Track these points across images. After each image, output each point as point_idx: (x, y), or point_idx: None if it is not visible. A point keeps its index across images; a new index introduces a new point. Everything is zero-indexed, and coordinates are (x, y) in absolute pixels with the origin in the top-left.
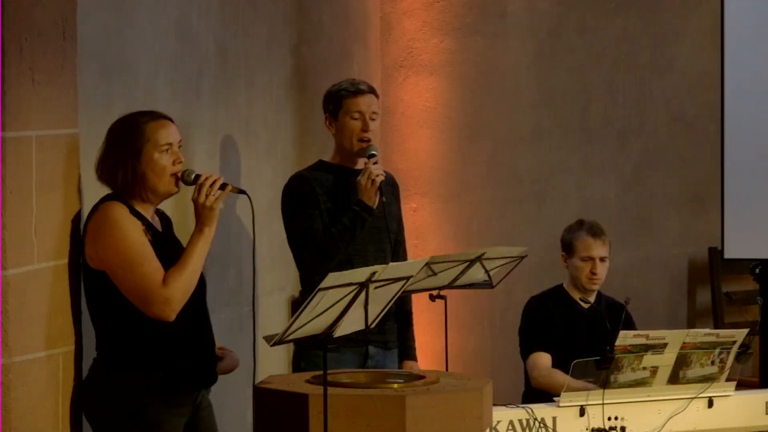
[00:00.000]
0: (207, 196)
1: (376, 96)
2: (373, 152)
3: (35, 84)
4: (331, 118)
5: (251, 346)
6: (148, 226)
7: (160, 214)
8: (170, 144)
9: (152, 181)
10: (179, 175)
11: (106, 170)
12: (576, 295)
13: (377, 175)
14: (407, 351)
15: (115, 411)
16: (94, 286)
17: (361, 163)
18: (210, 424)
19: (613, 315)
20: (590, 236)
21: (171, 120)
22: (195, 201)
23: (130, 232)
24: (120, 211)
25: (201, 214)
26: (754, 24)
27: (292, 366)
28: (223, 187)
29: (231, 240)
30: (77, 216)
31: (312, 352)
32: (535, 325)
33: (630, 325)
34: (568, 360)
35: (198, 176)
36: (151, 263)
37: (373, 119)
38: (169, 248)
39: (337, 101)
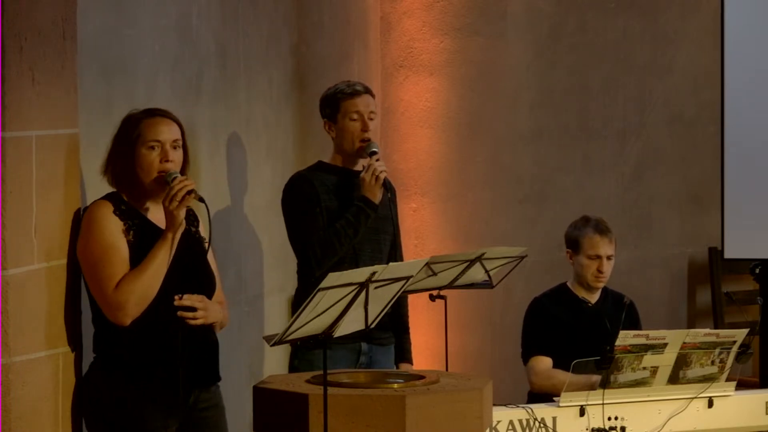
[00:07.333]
0: (171, 200)
1: (372, 96)
2: (375, 149)
3: (35, 84)
4: (330, 122)
5: (251, 346)
6: (135, 225)
7: None
8: (159, 141)
9: (140, 176)
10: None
11: (106, 164)
12: (580, 293)
13: (381, 171)
14: (403, 353)
15: (102, 410)
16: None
17: (361, 164)
18: (212, 426)
19: (619, 309)
20: (597, 234)
21: (171, 118)
22: (163, 203)
23: (102, 233)
24: (101, 211)
25: (166, 218)
26: (754, 24)
27: (289, 365)
28: (188, 193)
29: (231, 239)
30: (76, 216)
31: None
32: (536, 329)
33: (636, 319)
34: (573, 359)
35: (174, 179)
36: (111, 267)
37: (371, 119)
38: (180, 245)
39: (334, 104)
